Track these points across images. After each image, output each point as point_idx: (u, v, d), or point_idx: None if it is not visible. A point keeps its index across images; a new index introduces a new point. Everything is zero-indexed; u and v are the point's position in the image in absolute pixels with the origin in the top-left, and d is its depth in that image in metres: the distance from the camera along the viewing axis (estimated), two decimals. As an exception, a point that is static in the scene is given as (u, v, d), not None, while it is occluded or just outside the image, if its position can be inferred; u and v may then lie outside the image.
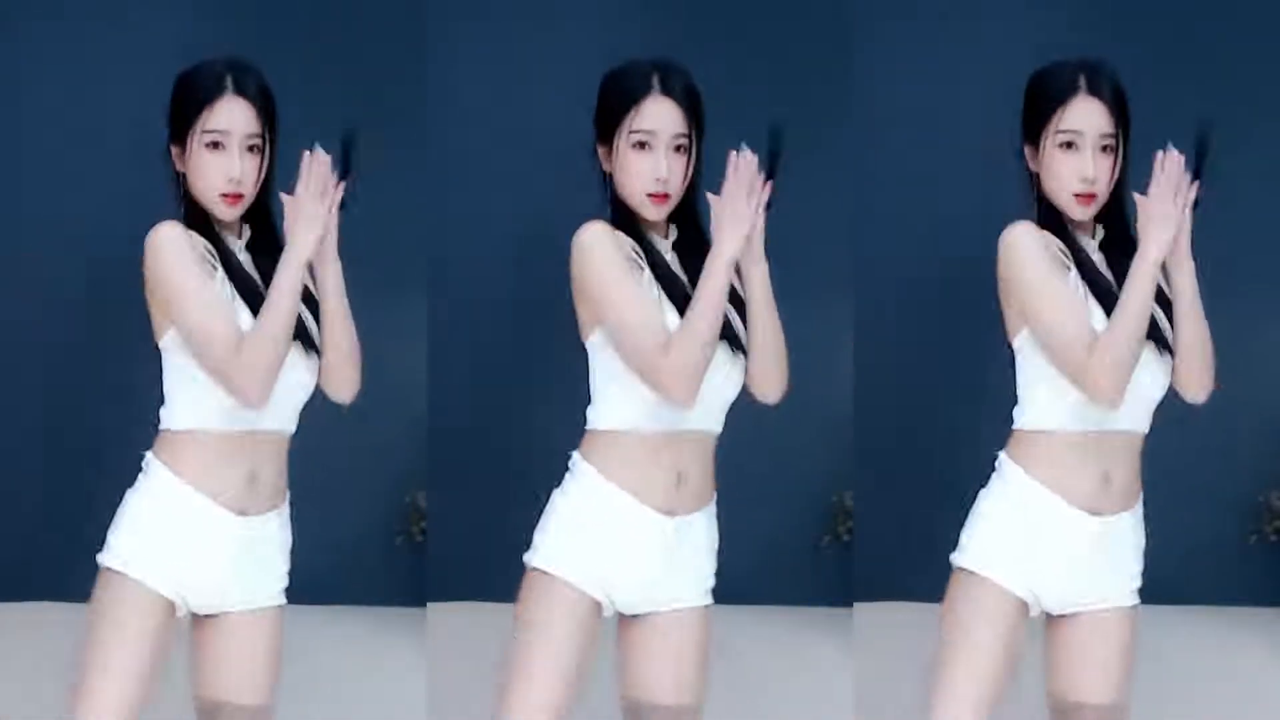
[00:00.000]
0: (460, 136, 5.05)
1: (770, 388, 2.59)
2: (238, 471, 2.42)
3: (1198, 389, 2.51)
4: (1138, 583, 2.55)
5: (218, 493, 2.41)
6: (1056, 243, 2.49)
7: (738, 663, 4.59)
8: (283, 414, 2.46)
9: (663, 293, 2.45)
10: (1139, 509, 2.54)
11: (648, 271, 2.45)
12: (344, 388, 2.52)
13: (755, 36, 5.14)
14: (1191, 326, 2.44)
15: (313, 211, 2.48)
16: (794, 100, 5.14)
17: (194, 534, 2.42)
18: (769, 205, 2.48)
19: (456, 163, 5.03)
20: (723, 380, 2.51)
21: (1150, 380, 2.47)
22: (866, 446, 4.60)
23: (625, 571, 2.47)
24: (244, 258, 2.49)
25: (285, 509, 2.52)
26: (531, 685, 2.47)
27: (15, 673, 4.38)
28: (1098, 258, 2.50)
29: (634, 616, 2.54)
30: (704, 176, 2.53)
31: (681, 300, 2.44)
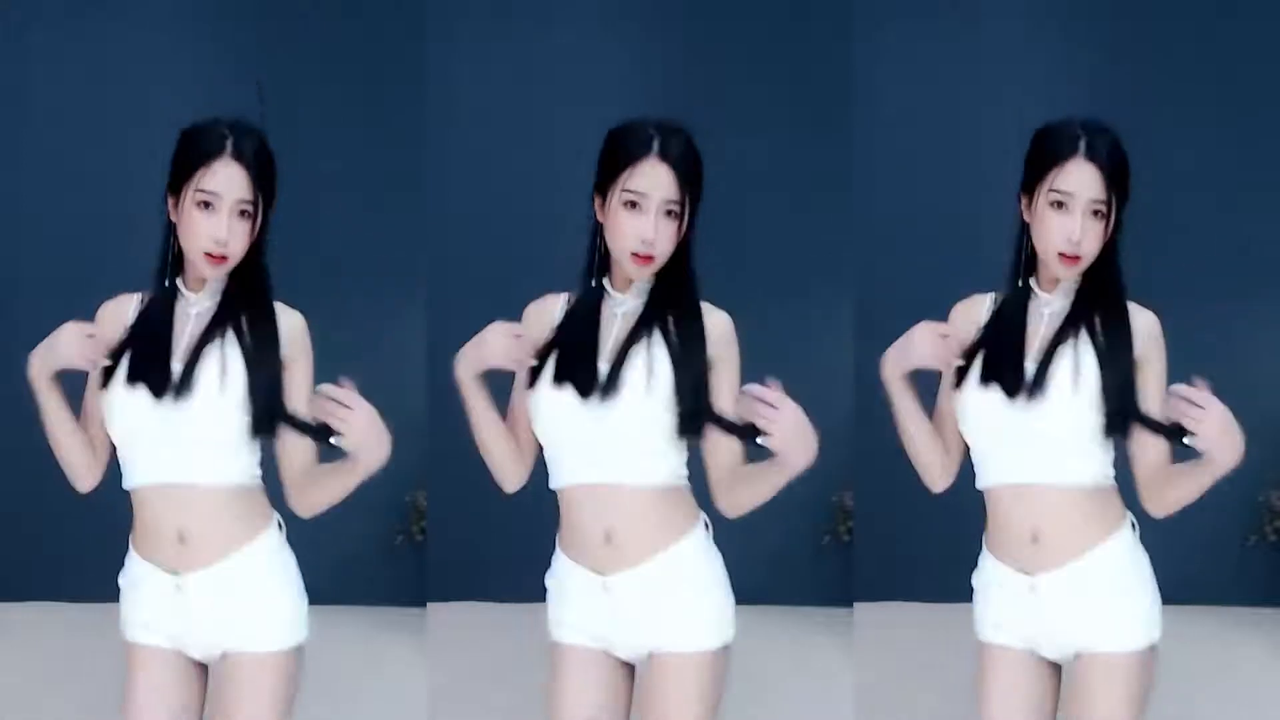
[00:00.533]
0: (460, 136, 5.05)
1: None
2: (158, 528, 2.47)
3: (1159, 512, 2.58)
4: (1134, 626, 2.52)
5: (144, 550, 2.49)
6: (981, 311, 2.55)
7: (738, 663, 4.59)
8: (192, 468, 2.44)
9: (557, 348, 2.48)
10: (1106, 559, 2.51)
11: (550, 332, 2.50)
12: (307, 513, 2.58)
13: (755, 36, 5.14)
14: (1190, 492, 2.54)
15: (380, 432, 2.40)
16: (794, 100, 5.15)
17: (137, 593, 2.51)
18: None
19: (456, 163, 5.02)
20: (639, 432, 2.46)
21: (1005, 438, 2.48)
22: (866, 446, 4.59)
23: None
24: (196, 310, 2.50)
25: (240, 561, 2.49)
26: None
27: (15, 673, 4.38)
28: (1050, 311, 2.51)
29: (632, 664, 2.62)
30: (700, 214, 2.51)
31: (572, 356, 2.45)
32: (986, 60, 5.07)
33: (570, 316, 2.52)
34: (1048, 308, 2.52)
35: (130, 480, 2.48)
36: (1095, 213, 2.43)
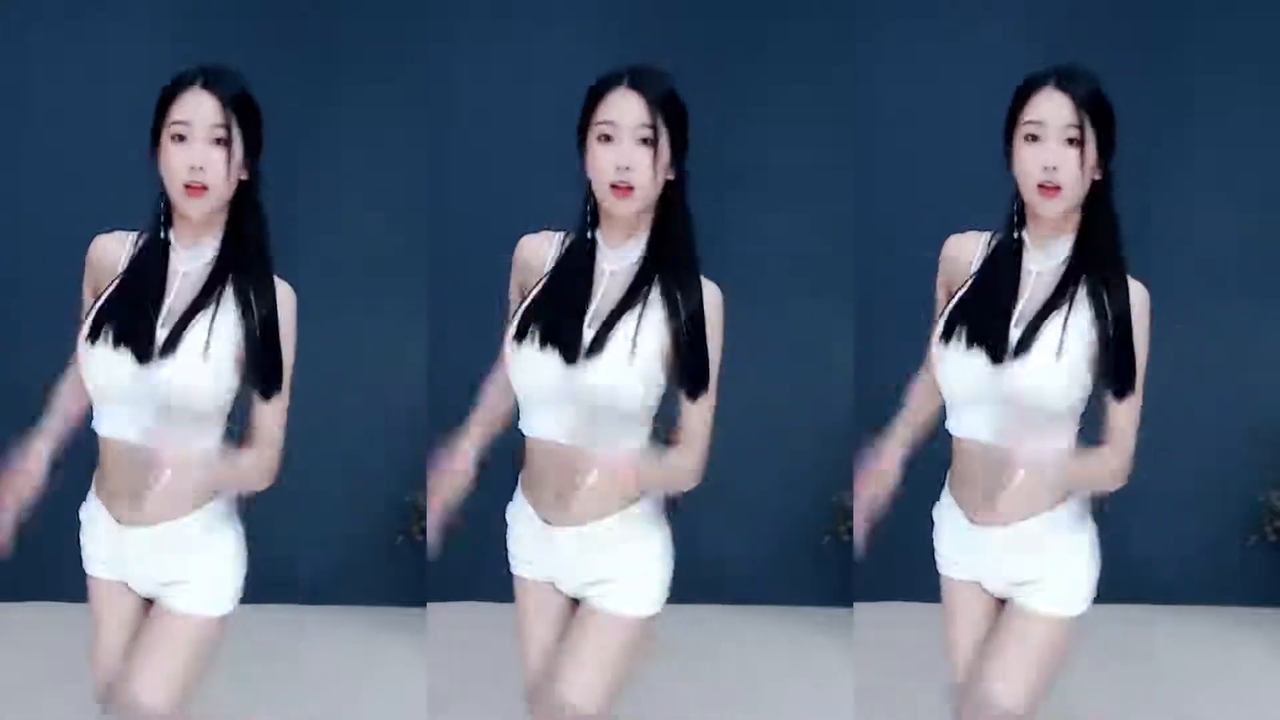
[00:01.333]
0: (460, 136, 5.04)
1: None
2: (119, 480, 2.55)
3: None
4: (1065, 593, 2.60)
5: (106, 499, 2.58)
6: (974, 249, 2.58)
7: (738, 663, 4.59)
8: (161, 433, 2.47)
9: (539, 295, 2.51)
10: (1051, 526, 2.57)
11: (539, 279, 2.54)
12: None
13: (755, 35, 5.13)
14: (1080, 481, 2.56)
15: None
16: (794, 100, 5.15)
17: (94, 528, 2.63)
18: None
19: (456, 163, 5.02)
20: (612, 401, 2.49)
21: (984, 396, 2.52)
22: (866, 447, 4.59)
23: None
24: (185, 269, 2.52)
25: (184, 525, 2.56)
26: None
27: (15, 673, 4.38)
28: (1037, 270, 2.52)
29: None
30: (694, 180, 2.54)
31: (560, 318, 2.47)
32: (986, 60, 5.07)
33: (562, 270, 2.52)
34: (1035, 266, 2.52)
35: (99, 428, 2.54)
36: (1070, 140, 2.44)
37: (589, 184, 2.50)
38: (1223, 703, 4.23)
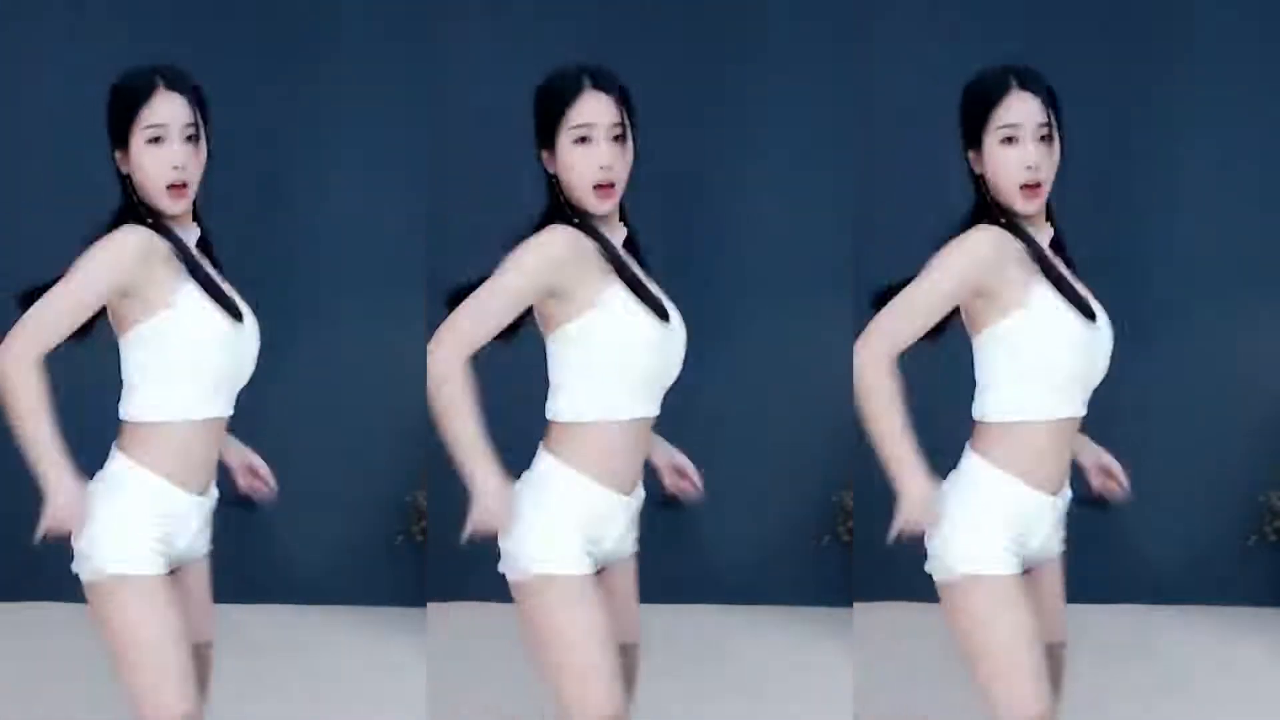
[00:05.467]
0: (460, 136, 5.04)
1: None
2: (204, 458, 2.61)
3: None
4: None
5: (186, 481, 2.58)
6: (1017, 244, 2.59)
7: (738, 663, 4.59)
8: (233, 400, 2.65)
9: (631, 294, 2.58)
10: None
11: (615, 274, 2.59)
12: None
13: (755, 35, 5.14)
14: None
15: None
16: (794, 100, 5.15)
17: (179, 523, 2.60)
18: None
19: (456, 162, 5.02)
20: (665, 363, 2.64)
21: (1091, 363, 2.61)
22: (866, 446, 4.59)
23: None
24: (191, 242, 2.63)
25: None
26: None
27: (15, 673, 4.38)
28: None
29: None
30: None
31: (647, 297, 2.58)
32: (986, 60, 5.07)
33: (600, 244, 2.58)
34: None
35: (191, 413, 2.56)
36: (1043, 138, 2.54)
37: (556, 183, 2.59)
38: (1223, 703, 4.23)
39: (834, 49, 4.87)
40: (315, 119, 5.02)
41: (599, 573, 2.64)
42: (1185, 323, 5.01)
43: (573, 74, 2.56)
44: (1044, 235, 2.62)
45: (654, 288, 2.64)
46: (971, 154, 2.61)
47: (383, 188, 5.07)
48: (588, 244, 2.56)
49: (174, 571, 2.61)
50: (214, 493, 2.68)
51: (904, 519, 2.56)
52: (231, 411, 2.64)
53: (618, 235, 2.63)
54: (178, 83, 2.56)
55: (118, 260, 2.51)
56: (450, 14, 4.98)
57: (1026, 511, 2.58)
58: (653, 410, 2.63)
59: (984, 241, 2.57)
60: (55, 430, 2.49)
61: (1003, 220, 2.58)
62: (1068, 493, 2.67)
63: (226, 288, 2.63)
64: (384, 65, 5.02)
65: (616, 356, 2.56)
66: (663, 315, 2.58)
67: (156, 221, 2.56)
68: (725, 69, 5.09)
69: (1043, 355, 2.55)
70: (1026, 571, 2.62)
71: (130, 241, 2.52)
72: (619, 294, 2.56)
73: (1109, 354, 2.61)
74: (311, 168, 4.95)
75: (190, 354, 2.53)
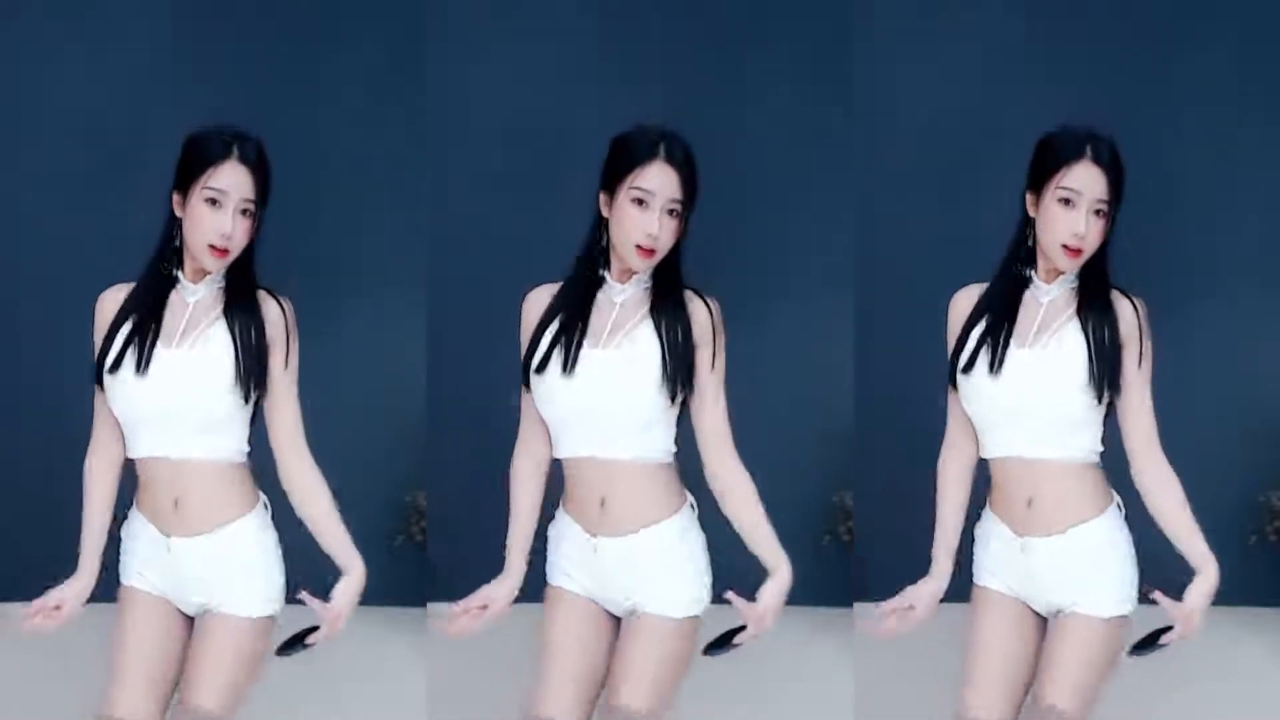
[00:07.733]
0: (460, 136, 5.04)
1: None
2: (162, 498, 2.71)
3: (1141, 483, 2.88)
4: (1111, 596, 2.75)
5: (151, 516, 2.72)
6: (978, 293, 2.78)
7: (738, 663, 4.59)
8: (187, 444, 2.69)
9: (556, 331, 2.70)
10: (1090, 529, 2.74)
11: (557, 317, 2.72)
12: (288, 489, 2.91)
13: (755, 35, 5.14)
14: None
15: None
16: (794, 100, 5.15)
17: (135, 543, 2.77)
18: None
19: (456, 163, 5.02)
20: (636, 405, 2.71)
21: (997, 411, 2.73)
22: (866, 446, 4.60)
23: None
24: (193, 300, 2.72)
25: (228, 531, 2.75)
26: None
27: (15, 673, 4.38)
28: (1048, 300, 2.73)
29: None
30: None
31: (570, 337, 2.69)
32: (986, 60, 5.07)
33: (565, 300, 2.73)
34: (1046, 296, 2.73)
35: (133, 452, 2.72)
36: (1098, 211, 2.67)
37: (603, 222, 2.71)
38: (1223, 703, 4.23)
39: (834, 49, 4.87)
40: (315, 119, 5.02)
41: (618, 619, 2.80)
42: (1185, 323, 5.01)
43: (651, 139, 2.67)
44: (1055, 287, 2.73)
45: (617, 337, 2.70)
46: (1029, 195, 2.72)
47: (383, 188, 5.07)
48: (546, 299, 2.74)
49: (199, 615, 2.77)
50: (201, 537, 2.73)
51: (908, 597, 2.83)
52: (178, 454, 2.68)
53: (635, 281, 2.73)
54: (249, 155, 2.66)
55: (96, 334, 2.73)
56: (452, 14, 4.98)
57: (989, 537, 2.80)
58: (597, 452, 2.71)
59: (954, 303, 2.83)
60: (105, 532, 2.77)
61: (1016, 268, 2.74)
62: (1055, 543, 2.73)
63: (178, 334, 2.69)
64: (384, 65, 5.02)
65: (546, 409, 2.75)
66: (589, 370, 2.67)
67: (158, 266, 2.71)
68: (726, 68, 5.09)
69: (967, 405, 2.79)
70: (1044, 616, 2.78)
71: (96, 315, 2.73)
72: (553, 347, 2.70)
73: (1061, 399, 2.68)
74: (312, 169, 4.95)
75: (116, 403, 2.70)
